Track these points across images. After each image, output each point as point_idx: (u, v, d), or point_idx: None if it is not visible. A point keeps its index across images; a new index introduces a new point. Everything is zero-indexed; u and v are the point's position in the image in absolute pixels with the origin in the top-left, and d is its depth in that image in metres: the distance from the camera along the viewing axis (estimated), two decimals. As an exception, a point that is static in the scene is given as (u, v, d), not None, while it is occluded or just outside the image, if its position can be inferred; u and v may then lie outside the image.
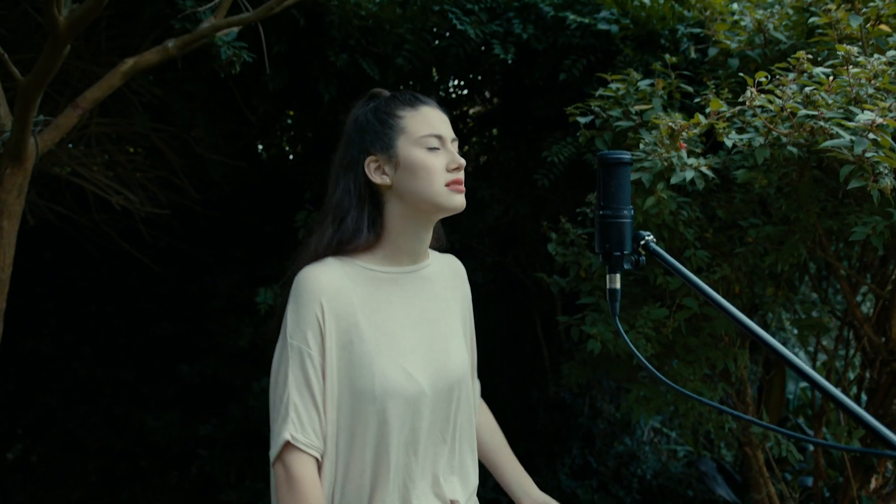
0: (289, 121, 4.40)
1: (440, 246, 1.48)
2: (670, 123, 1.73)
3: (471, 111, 4.31)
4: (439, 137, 1.31)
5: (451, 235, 3.15)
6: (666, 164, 1.74)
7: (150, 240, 3.87)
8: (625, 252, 1.11)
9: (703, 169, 1.73)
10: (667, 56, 2.04)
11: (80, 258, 4.18)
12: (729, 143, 1.75)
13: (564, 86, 3.14)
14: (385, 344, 1.28)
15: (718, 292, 2.33)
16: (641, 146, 1.92)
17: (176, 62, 2.34)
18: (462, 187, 1.32)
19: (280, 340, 1.26)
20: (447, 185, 1.29)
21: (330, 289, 1.26)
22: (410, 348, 1.30)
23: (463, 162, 1.32)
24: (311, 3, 3.16)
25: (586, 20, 2.83)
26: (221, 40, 2.29)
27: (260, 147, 4.28)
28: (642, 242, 1.11)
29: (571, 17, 2.89)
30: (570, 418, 4.64)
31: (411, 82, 3.47)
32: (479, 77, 3.74)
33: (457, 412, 1.37)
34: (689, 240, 2.19)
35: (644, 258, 1.13)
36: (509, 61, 3.07)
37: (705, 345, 2.26)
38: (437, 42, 3.28)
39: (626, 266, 1.12)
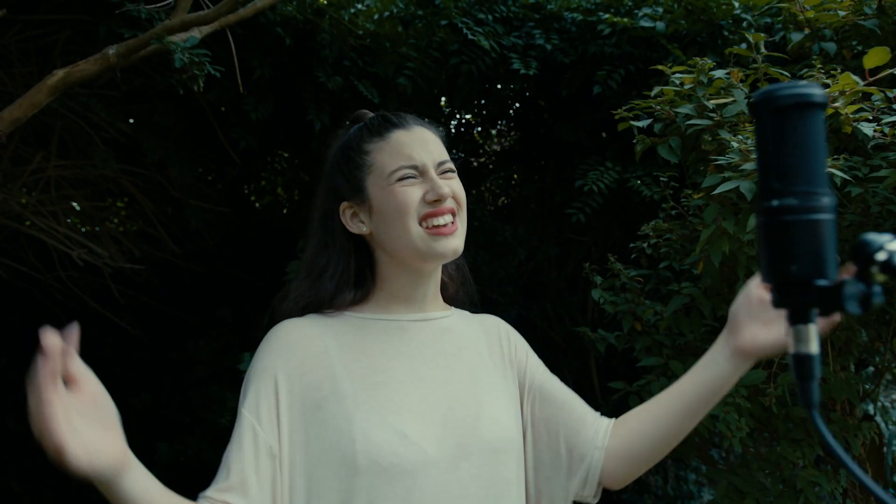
0: (282, 163, 3.94)
1: (467, 298, 1.27)
2: None
3: (487, 147, 3.84)
4: (414, 167, 1.11)
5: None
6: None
7: (122, 299, 3.37)
8: (830, 277, 0.56)
9: (835, 171, 1.19)
10: (749, 34, 1.54)
11: (46, 321, 3.67)
12: (868, 131, 1.23)
13: (598, 103, 2.65)
14: (369, 399, 1.04)
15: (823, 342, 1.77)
16: (727, 155, 1.40)
17: (149, 95, 1.89)
18: (447, 225, 1.10)
19: None
20: (423, 221, 1.09)
21: (295, 339, 1.08)
22: (410, 406, 1.05)
23: (445, 192, 1.09)
24: (298, 20, 2.73)
25: (624, 21, 2.35)
26: (176, 45, 1.82)
27: (246, 190, 3.80)
28: (881, 256, 0.54)
29: (605, 18, 2.42)
30: (611, 493, 4.02)
31: (416, 106, 3.00)
32: (495, 104, 3.26)
33: (500, 487, 1.07)
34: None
35: (879, 289, 0.56)
36: (531, 74, 2.59)
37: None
38: (445, 60, 2.81)
39: (845, 306, 0.55)
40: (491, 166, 3.73)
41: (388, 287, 1.15)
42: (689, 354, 1.83)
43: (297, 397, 1.04)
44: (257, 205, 4.11)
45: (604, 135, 2.81)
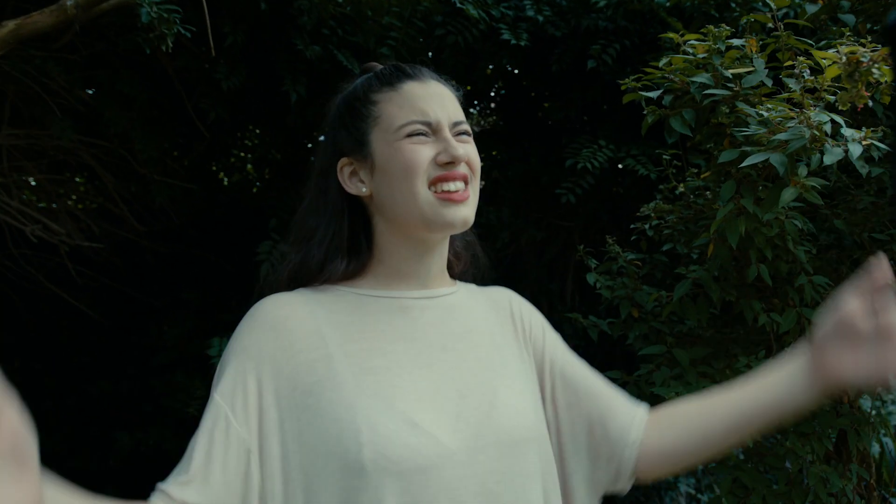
0: (253, 140, 3.76)
1: (479, 273, 1.12)
2: (849, 54, 1.09)
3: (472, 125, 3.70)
4: (427, 123, 0.98)
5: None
6: (817, 134, 1.10)
7: (80, 280, 3.17)
8: None
9: (874, 141, 1.09)
10: (772, 1, 1.43)
11: (-2, 304, 3.46)
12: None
13: (589, 79, 2.53)
14: (372, 384, 0.91)
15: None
16: (752, 125, 1.28)
17: (112, 60, 1.71)
18: (459, 192, 0.97)
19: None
20: (432, 185, 0.97)
21: (282, 316, 0.95)
22: (419, 393, 0.93)
23: (459, 153, 0.97)
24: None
25: (622, -8, 2.23)
26: (142, -2, 1.64)
27: (215, 167, 3.61)
28: None
29: (601, -11, 2.29)
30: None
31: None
32: (480, 80, 3.13)
33: (521, 482, 0.94)
34: (801, 262, 1.55)
35: None
36: (522, 45, 2.46)
37: (827, 410, 1.60)
38: (430, 30, 2.67)
39: None
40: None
41: (387, 260, 1.02)
42: (693, 343, 1.73)
43: (287, 381, 0.91)
44: (226, 182, 3.92)
45: (602, 109, 2.70)
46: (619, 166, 2.22)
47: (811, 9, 1.66)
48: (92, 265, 3.26)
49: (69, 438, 3.45)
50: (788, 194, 1.10)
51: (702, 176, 1.73)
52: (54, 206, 3.22)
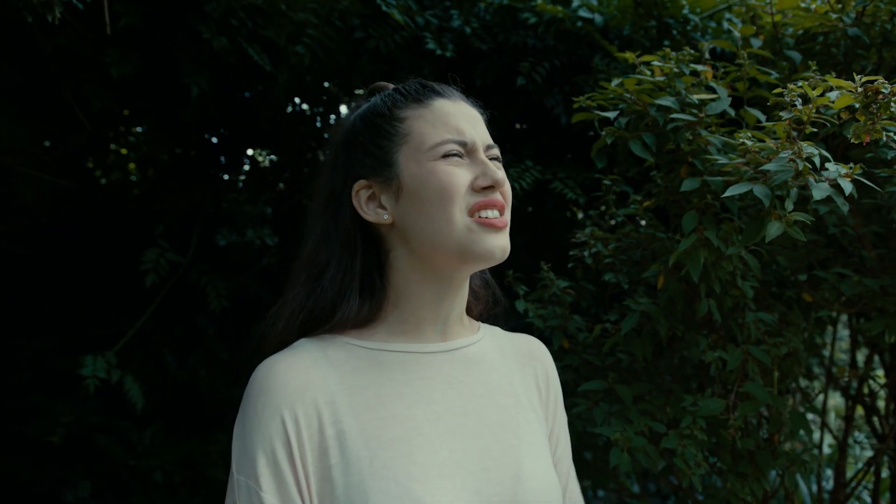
0: (139, 136, 3.41)
1: (499, 315, 1.07)
2: (866, 84, 1.03)
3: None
4: (462, 144, 0.91)
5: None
6: (809, 167, 1.04)
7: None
8: None
9: (847, 180, 1.04)
10: (733, 28, 1.37)
11: None
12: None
13: (513, 96, 2.45)
14: (388, 462, 0.83)
15: (772, 375, 1.66)
16: (713, 154, 1.22)
17: None
18: (501, 219, 0.91)
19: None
20: (472, 214, 0.89)
21: (298, 389, 0.85)
22: (440, 468, 0.85)
23: (500, 176, 0.91)
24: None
25: (557, 10, 2.16)
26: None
27: (91, 163, 3.24)
28: None
29: (534, 5, 2.22)
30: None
31: (316, 79, 2.65)
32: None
33: None
34: (747, 299, 1.52)
35: None
36: (448, 56, 2.35)
37: (763, 450, 1.57)
38: (349, 32, 2.50)
39: None
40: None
41: (404, 303, 0.93)
42: (631, 378, 1.66)
43: (308, 467, 0.84)
44: (103, 181, 3.54)
45: (523, 128, 2.62)
46: (551, 187, 2.14)
47: (756, 43, 1.65)
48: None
49: None
50: (775, 229, 1.04)
51: (644, 205, 1.68)
52: None
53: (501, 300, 1.08)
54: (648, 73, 1.45)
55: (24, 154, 2.66)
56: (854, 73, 1.07)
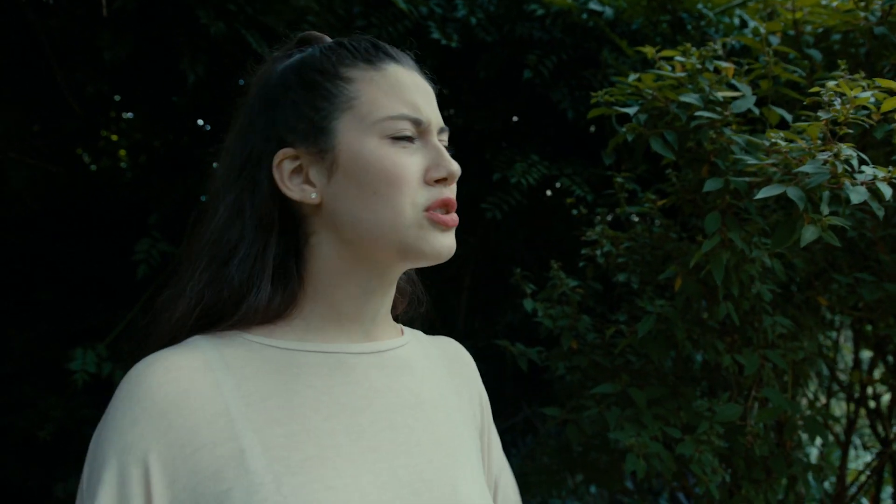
0: (130, 122, 3.33)
1: (417, 313, 0.93)
2: None
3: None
4: (417, 123, 0.77)
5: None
6: (847, 169, 1.00)
7: None
8: None
9: (885, 183, 1.01)
10: (754, 23, 1.33)
11: None
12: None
13: (517, 90, 2.40)
14: (300, 489, 0.67)
15: (785, 379, 1.63)
16: (736, 153, 1.18)
17: None
18: (453, 217, 0.78)
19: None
20: (427, 210, 0.76)
21: (175, 397, 0.69)
22: (363, 495, 0.69)
23: (456, 168, 0.77)
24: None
25: (568, 2, 2.11)
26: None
27: (80, 149, 3.16)
28: None
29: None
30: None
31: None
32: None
33: None
34: (764, 302, 1.49)
35: None
36: (453, 46, 2.29)
37: (777, 456, 1.54)
38: (351, 20, 2.44)
39: None
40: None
41: (324, 297, 0.78)
42: (642, 381, 1.63)
43: (187, 492, 0.66)
44: (93, 167, 3.45)
45: (527, 123, 2.57)
46: (557, 185, 2.10)
47: (773, 41, 1.61)
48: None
49: None
50: (810, 233, 1.00)
51: (658, 203, 1.64)
52: None
53: (424, 299, 0.95)
54: (668, 68, 1.40)
55: (14, 139, 2.59)
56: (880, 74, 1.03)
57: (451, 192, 0.77)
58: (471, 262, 2.91)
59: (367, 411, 0.75)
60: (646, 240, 1.63)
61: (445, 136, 0.81)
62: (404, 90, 0.77)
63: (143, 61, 2.39)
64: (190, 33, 2.28)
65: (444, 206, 0.76)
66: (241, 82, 2.72)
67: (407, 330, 0.92)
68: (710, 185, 1.27)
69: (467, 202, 2.61)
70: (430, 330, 1.03)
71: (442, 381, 0.88)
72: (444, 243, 0.76)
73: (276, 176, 0.76)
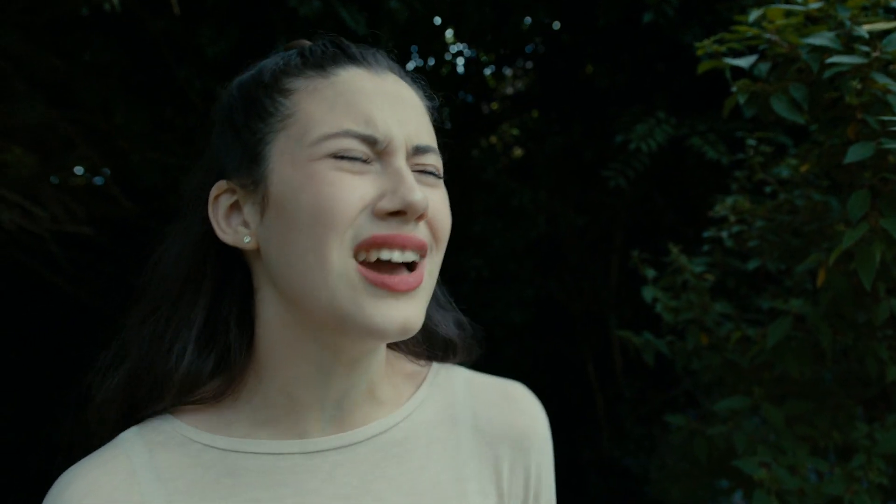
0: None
1: (463, 356, 0.69)
2: None
3: (500, 90, 3.26)
4: (369, 141, 0.57)
5: (472, 260, 2.04)
6: None
7: (69, 265, 2.89)
8: None
9: None
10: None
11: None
12: None
13: (643, 38, 2.09)
14: None
15: None
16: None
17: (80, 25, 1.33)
18: (404, 277, 0.56)
19: None
20: (359, 252, 0.55)
21: None
22: None
23: (416, 197, 0.55)
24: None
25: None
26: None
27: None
28: None
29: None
30: (631, 484, 3.60)
31: (414, 38, 2.43)
32: (511, 38, 2.68)
33: None
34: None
35: None
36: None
37: None
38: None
39: None
40: (500, 109, 3.18)
41: (272, 376, 0.61)
42: (785, 392, 1.33)
43: None
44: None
45: (658, 73, 2.25)
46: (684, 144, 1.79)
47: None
48: (83, 248, 2.97)
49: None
50: None
51: (801, 168, 1.31)
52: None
53: (480, 341, 0.73)
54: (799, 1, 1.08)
55: (145, 137, 2.69)
56: None
57: (405, 229, 0.56)
58: (574, 233, 2.65)
59: None
60: (786, 216, 1.32)
61: (429, 159, 0.61)
62: (358, 100, 0.59)
63: (245, 52, 2.36)
64: (287, 17, 2.21)
65: (384, 244, 0.56)
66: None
67: (429, 378, 0.70)
68: (856, 151, 0.95)
69: (593, 165, 2.35)
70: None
71: (459, 458, 0.67)
72: (388, 316, 0.55)
73: (211, 214, 0.61)
